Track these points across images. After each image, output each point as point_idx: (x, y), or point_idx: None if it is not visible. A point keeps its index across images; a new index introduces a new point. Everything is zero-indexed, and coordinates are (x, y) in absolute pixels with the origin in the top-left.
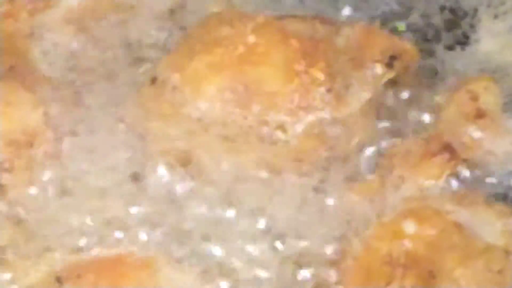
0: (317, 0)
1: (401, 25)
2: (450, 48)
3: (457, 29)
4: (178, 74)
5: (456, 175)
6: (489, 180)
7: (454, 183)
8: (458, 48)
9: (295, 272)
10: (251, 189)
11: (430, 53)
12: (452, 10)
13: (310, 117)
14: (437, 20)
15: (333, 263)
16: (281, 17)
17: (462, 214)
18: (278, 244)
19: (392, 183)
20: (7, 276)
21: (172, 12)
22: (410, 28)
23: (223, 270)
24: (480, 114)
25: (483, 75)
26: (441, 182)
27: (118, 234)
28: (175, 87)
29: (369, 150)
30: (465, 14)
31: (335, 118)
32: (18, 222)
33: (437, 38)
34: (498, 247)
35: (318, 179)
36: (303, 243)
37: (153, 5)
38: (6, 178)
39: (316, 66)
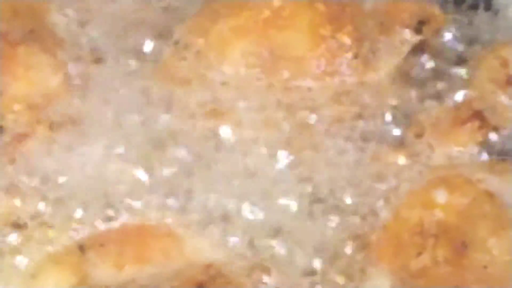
0: None
1: None
2: (477, 13)
3: None
4: (201, 38)
5: (486, 143)
6: None
7: (485, 151)
8: (485, 13)
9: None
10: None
11: (458, 20)
12: None
13: (336, 83)
14: None
15: (365, 234)
16: None
17: (493, 183)
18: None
19: (422, 151)
20: (32, 244)
21: None
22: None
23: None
24: (510, 81)
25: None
26: (471, 150)
27: (140, 203)
28: (199, 51)
29: (398, 117)
30: None
31: (363, 84)
32: (41, 190)
33: (463, 3)
34: None
35: (348, 146)
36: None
37: None
38: (26, 144)
39: (342, 30)
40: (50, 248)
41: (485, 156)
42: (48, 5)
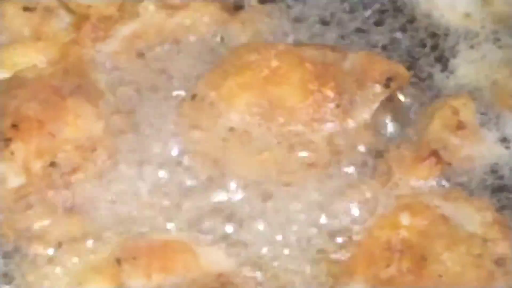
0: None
1: None
2: (434, 72)
3: (440, 57)
4: (214, 92)
5: (441, 176)
6: (469, 178)
7: (440, 182)
8: (441, 72)
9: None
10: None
11: (419, 77)
12: (436, 45)
13: (322, 128)
14: (424, 51)
15: (343, 247)
16: (298, 45)
17: (448, 208)
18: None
19: (391, 183)
20: (75, 259)
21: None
22: (402, 59)
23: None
24: (460, 126)
25: (462, 94)
26: (429, 181)
27: (167, 224)
28: (212, 102)
29: (371, 156)
30: (446, 44)
31: (344, 129)
32: (85, 213)
33: (423, 65)
34: (477, 235)
35: (330, 180)
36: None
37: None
38: (75, 178)
39: (327, 85)
40: (93, 260)
41: (441, 186)
42: (92, 65)
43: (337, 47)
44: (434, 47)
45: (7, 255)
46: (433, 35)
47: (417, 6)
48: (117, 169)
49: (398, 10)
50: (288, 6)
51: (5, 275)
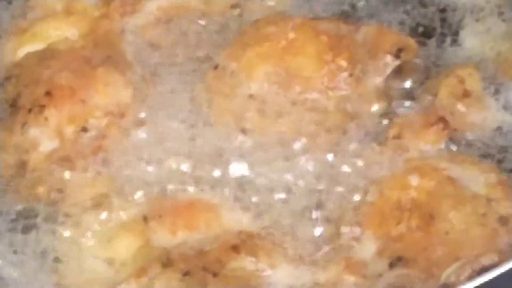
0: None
1: None
2: (442, 44)
3: (448, 30)
4: (235, 62)
5: (449, 140)
6: (473, 142)
7: (448, 146)
8: (448, 44)
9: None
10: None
11: (428, 49)
12: (444, 19)
13: (336, 96)
14: (433, 24)
15: (356, 208)
16: (313, 19)
17: (454, 170)
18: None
19: (401, 147)
20: (105, 218)
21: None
22: (412, 32)
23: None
24: (466, 94)
25: (468, 64)
26: (437, 145)
27: (191, 185)
28: (233, 72)
29: (382, 122)
30: (453, 18)
31: (356, 97)
32: (114, 174)
33: (432, 37)
34: (482, 196)
35: (344, 143)
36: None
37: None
38: (104, 142)
39: (340, 56)
40: (122, 219)
41: (448, 150)
42: (120, 38)
43: (350, 20)
44: (443, 21)
45: (41, 213)
46: (442, 10)
47: None
48: (144, 134)
49: None
50: None
51: (39, 231)
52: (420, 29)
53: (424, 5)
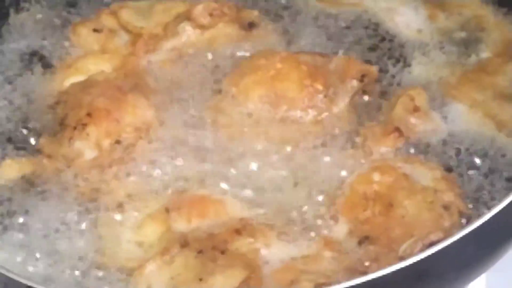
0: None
1: None
2: (395, 72)
3: (400, 61)
4: (234, 88)
5: (403, 145)
6: (422, 146)
7: (402, 150)
8: (401, 71)
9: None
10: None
11: (385, 75)
12: (396, 53)
13: (314, 112)
14: (388, 57)
15: (332, 198)
16: (296, 52)
17: (408, 168)
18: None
19: (366, 151)
20: (136, 210)
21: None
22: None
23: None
24: (416, 109)
25: (417, 86)
26: (394, 149)
27: (202, 182)
28: (233, 95)
29: (351, 131)
30: (405, 52)
31: (330, 113)
32: (141, 176)
33: (388, 67)
34: (430, 188)
35: (322, 148)
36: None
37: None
38: (129, 153)
39: (317, 81)
40: (149, 210)
41: (405, 151)
42: (145, 70)
43: (324, 54)
44: (396, 54)
45: (84, 209)
46: (394, 46)
47: (382, 24)
48: (164, 144)
49: (365, 28)
50: (289, 25)
51: (80, 223)
52: (378, 60)
53: (380, 42)
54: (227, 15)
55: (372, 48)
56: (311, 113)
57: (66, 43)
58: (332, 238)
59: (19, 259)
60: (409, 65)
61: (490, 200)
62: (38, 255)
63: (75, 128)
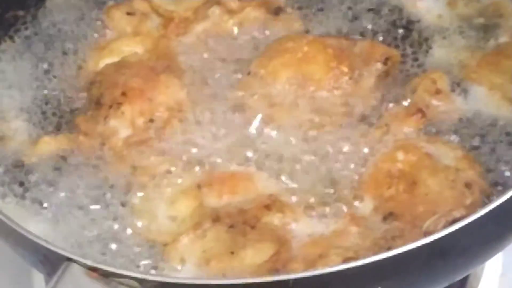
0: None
1: None
2: (417, 56)
3: (422, 45)
4: (263, 69)
5: (425, 126)
6: (444, 127)
7: (425, 130)
8: (423, 55)
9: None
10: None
11: (407, 59)
12: (418, 37)
13: (340, 94)
14: (410, 41)
15: (358, 176)
16: (322, 36)
17: (430, 148)
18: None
19: (390, 131)
20: (169, 186)
21: None
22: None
23: None
24: (437, 92)
25: (438, 69)
26: (417, 130)
27: (233, 160)
28: (262, 77)
29: (375, 112)
30: (426, 36)
31: (355, 94)
32: (174, 154)
33: (410, 50)
34: (451, 167)
35: (347, 128)
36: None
37: None
38: (162, 131)
39: (342, 64)
40: (182, 186)
41: (427, 131)
42: (176, 52)
43: (349, 37)
44: (417, 38)
45: (120, 185)
46: (416, 30)
47: (404, 9)
48: (196, 123)
49: (388, 12)
50: (315, 10)
51: (114, 199)
52: (401, 44)
53: (403, 27)
54: (255, 0)
55: (395, 32)
56: (337, 94)
57: (100, 26)
58: (358, 214)
59: (55, 233)
60: (430, 49)
61: (509, 179)
62: (72, 229)
63: (110, 107)
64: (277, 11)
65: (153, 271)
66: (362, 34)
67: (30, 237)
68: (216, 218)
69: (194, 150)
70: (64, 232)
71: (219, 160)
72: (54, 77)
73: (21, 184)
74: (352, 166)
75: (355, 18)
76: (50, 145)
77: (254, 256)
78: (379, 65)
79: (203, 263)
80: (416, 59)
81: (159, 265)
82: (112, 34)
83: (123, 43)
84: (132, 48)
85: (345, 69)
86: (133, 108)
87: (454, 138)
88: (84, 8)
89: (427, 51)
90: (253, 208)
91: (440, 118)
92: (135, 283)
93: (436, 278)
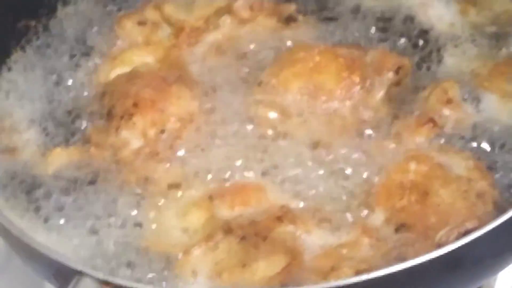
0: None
1: None
2: (430, 64)
3: (433, 53)
4: (275, 79)
5: (437, 135)
6: (455, 136)
7: (437, 140)
8: (435, 64)
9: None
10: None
11: (419, 67)
12: (430, 45)
13: (351, 103)
14: (422, 49)
15: (369, 187)
16: (333, 46)
17: (442, 158)
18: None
19: (401, 141)
20: (181, 197)
21: None
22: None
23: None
24: (449, 101)
25: (450, 78)
26: (428, 139)
27: (246, 170)
28: (273, 86)
29: (386, 122)
30: (438, 44)
31: (366, 104)
32: (186, 165)
33: (422, 59)
34: (463, 177)
35: (358, 138)
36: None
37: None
38: (174, 142)
39: (354, 74)
40: (193, 198)
41: (439, 141)
42: (188, 62)
43: (360, 46)
44: (429, 47)
45: (131, 196)
46: (428, 38)
47: (416, 18)
48: (208, 134)
49: (400, 21)
50: (326, 19)
51: (126, 210)
52: (412, 53)
53: (415, 36)
54: (266, 9)
55: (407, 41)
56: (348, 104)
57: (112, 36)
58: (369, 225)
59: (66, 246)
60: (442, 57)
61: None
62: (84, 242)
63: (122, 118)
64: (288, 20)
65: (164, 283)
66: (374, 43)
67: (43, 251)
68: (228, 229)
69: (205, 161)
70: (76, 245)
71: (231, 172)
72: (66, 88)
73: (32, 196)
74: (364, 176)
75: (367, 27)
76: (61, 156)
77: (266, 268)
78: (390, 75)
79: (215, 275)
80: (428, 68)
81: (171, 277)
82: (123, 44)
83: (134, 53)
84: (144, 58)
85: (357, 79)
86: (144, 119)
87: (466, 147)
88: (95, 18)
89: (439, 60)
90: (264, 220)
91: (451, 127)
92: None
93: None
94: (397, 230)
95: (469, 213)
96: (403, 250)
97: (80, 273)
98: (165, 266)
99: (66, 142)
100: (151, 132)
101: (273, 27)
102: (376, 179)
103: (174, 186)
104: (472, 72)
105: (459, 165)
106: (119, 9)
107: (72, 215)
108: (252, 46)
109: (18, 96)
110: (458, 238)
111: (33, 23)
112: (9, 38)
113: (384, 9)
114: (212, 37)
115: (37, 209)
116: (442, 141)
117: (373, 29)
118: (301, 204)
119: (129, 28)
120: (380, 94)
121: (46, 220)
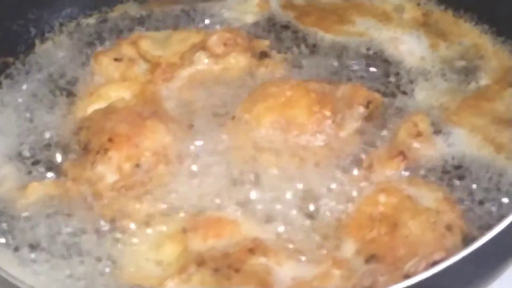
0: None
1: None
2: (399, 98)
3: (404, 87)
4: (247, 114)
5: (406, 168)
6: (425, 169)
7: (406, 173)
8: (405, 97)
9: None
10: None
11: (389, 101)
12: (400, 79)
13: (323, 137)
14: (392, 83)
15: (340, 219)
16: (305, 80)
17: (411, 190)
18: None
19: (372, 173)
20: (154, 230)
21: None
22: (376, 89)
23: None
24: (419, 134)
25: (420, 112)
26: (398, 172)
27: (218, 204)
28: (246, 121)
29: (357, 155)
30: (408, 78)
31: (338, 138)
32: (160, 198)
33: (392, 93)
34: (432, 209)
35: (329, 171)
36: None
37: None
38: (149, 176)
39: (325, 108)
40: (168, 231)
41: (406, 175)
42: (163, 97)
43: (332, 81)
44: (400, 81)
45: (101, 230)
46: (398, 72)
47: (387, 52)
48: (182, 167)
49: (371, 56)
50: (298, 54)
51: (100, 244)
52: (383, 87)
53: (385, 69)
54: (240, 45)
55: (378, 75)
56: (320, 137)
57: (89, 71)
58: (340, 257)
59: (41, 278)
60: (413, 91)
61: (490, 220)
62: (58, 276)
63: (97, 152)
64: (262, 56)
65: None
66: (345, 78)
67: (15, 283)
68: (201, 262)
69: (179, 195)
70: (51, 278)
71: (204, 205)
72: (42, 122)
73: (8, 230)
74: (334, 208)
75: (339, 61)
76: (38, 190)
77: None
78: (361, 109)
79: None
80: (398, 102)
81: None
82: (100, 79)
83: (111, 88)
84: (120, 93)
85: (328, 113)
86: (119, 154)
87: (435, 180)
88: (72, 54)
89: (410, 94)
90: (237, 252)
91: (421, 160)
92: None
93: None
94: (367, 261)
95: (438, 244)
96: (373, 281)
97: None
98: None
99: (43, 176)
100: (126, 166)
101: (246, 63)
102: (347, 211)
103: (149, 219)
104: (441, 106)
105: (428, 197)
106: (96, 46)
107: (47, 249)
108: (225, 81)
109: None
110: (426, 269)
111: (11, 59)
112: None
113: (356, 44)
114: (187, 72)
115: (13, 243)
116: (412, 173)
117: (344, 64)
118: (273, 237)
119: (106, 64)
120: (351, 127)
121: (21, 254)
